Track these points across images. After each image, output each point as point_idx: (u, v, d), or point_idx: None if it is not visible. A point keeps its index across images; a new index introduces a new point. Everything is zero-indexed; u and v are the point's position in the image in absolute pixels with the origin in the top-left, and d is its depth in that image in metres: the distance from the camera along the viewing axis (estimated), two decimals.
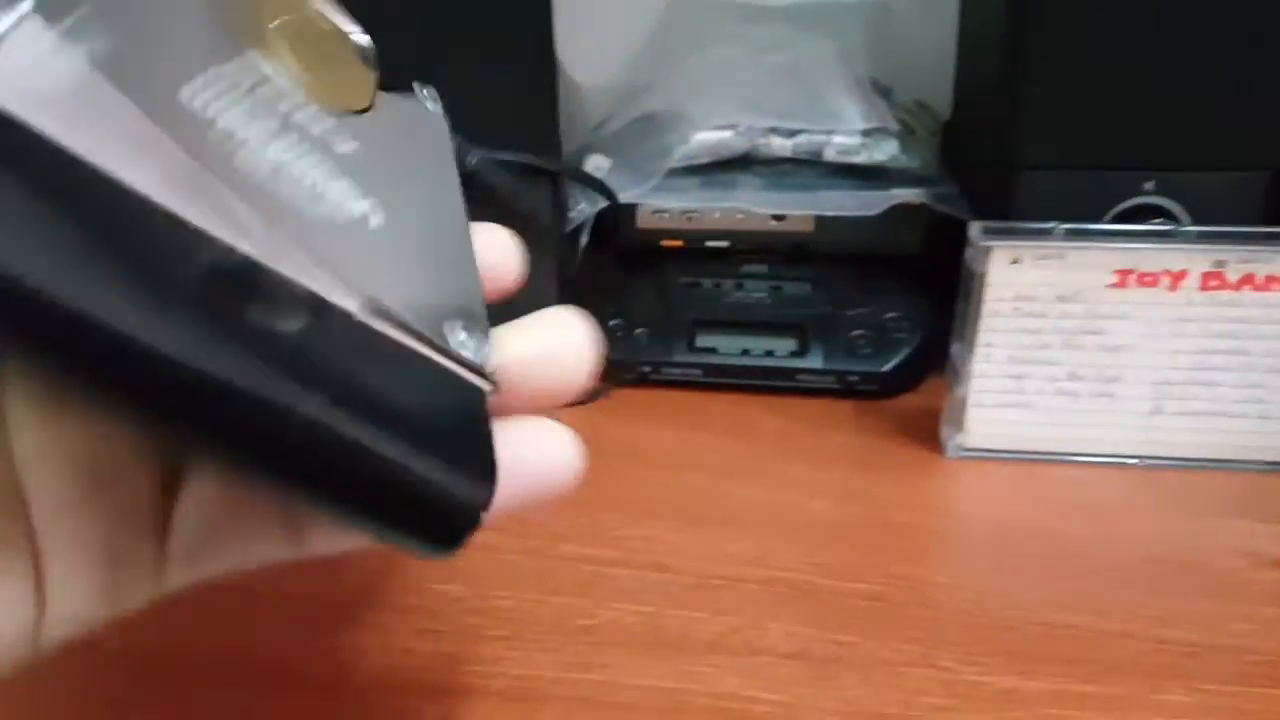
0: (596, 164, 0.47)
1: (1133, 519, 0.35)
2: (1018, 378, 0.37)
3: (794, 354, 0.42)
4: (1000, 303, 0.35)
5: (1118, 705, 0.27)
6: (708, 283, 0.45)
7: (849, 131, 0.44)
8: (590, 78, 0.52)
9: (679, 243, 0.46)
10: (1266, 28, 0.36)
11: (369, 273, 0.17)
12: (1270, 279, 0.35)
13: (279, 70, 0.19)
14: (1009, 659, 0.28)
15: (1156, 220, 0.38)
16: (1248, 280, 0.35)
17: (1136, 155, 0.38)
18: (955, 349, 0.37)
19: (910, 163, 0.45)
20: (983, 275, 0.35)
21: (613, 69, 0.54)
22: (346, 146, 0.20)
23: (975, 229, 0.35)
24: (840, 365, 0.42)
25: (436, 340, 0.17)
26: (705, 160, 0.45)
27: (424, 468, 0.16)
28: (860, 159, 0.44)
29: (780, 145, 0.44)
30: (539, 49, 0.40)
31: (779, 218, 0.44)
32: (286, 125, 0.19)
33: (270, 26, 0.20)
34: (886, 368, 0.42)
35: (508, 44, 0.39)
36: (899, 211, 0.43)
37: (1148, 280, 0.35)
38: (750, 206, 0.44)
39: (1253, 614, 0.30)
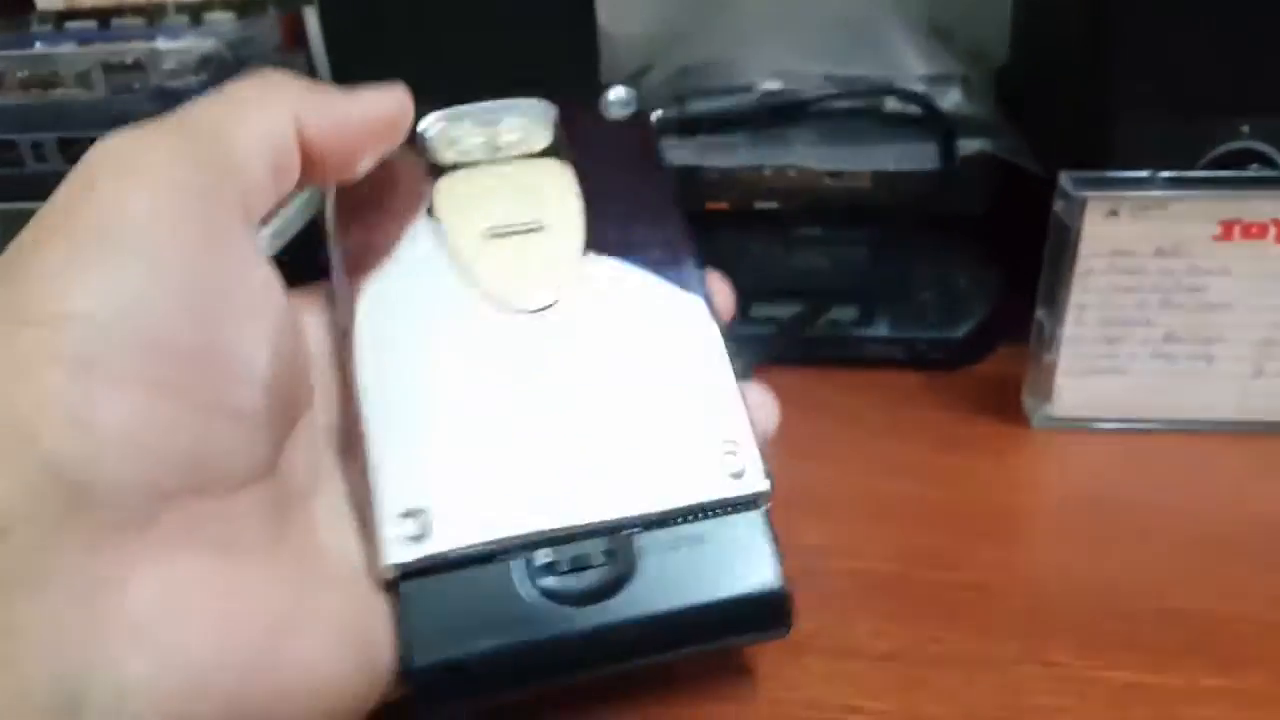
0: None
1: (1236, 490, 0.32)
2: (1111, 341, 0.34)
3: (858, 322, 0.39)
4: (1095, 259, 0.32)
5: (1251, 700, 0.24)
6: (757, 248, 0.42)
7: (909, 78, 0.40)
8: (622, 25, 0.48)
9: (724, 205, 0.43)
10: None
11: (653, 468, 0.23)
12: None
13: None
14: (1126, 650, 0.26)
15: (1254, 166, 0.35)
16: None
17: (1231, 98, 0.35)
18: (1042, 312, 0.34)
19: (973, 112, 0.41)
20: (1077, 230, 0.32)
21: (646, 14, 0.50)
22: (608, 353, 0.25)
23: (1066, 179, 0.32)
24: (909, 333, 0.39)
25: (711, 489, 0.22)
26: None
27: (737, 604, 0.22)
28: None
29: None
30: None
31: (834, 175, 0.41)
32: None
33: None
34: (960, 334, 0.39)
35: None
36: (964, 165, 0.40)
37: (1254, 231, 0.32)
38: (804, 163, 0.40)
39: None
